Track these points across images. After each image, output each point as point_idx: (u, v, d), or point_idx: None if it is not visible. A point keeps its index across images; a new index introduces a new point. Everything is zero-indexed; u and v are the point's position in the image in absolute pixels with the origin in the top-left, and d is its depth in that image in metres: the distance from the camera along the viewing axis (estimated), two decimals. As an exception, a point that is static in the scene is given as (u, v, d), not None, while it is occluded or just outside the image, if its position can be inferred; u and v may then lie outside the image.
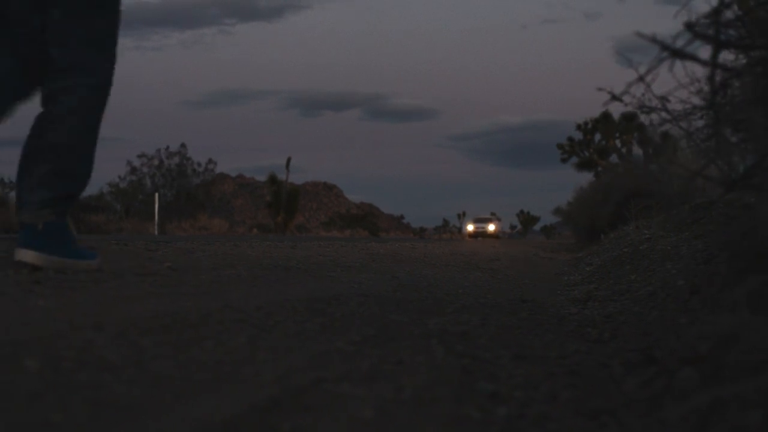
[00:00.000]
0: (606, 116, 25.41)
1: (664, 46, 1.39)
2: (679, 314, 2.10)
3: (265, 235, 17.81)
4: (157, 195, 20.21)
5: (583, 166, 25.49)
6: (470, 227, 45.45)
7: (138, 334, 1.48)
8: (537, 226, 50.56)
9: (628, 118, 24.69)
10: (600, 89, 1.87)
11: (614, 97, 1.80)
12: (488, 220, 45.82)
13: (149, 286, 2.12)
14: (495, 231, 44.07)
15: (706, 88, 1.76)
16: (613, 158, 25.24)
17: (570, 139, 27.07)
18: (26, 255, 2.27)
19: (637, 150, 22.56)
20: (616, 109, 25.96)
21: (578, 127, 26.91)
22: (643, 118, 1.70)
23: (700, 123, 1.76)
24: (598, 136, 26.51)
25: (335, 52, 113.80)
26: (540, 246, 16.22)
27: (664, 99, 1.80)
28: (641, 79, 1.64)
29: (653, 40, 1.39)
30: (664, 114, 1.78)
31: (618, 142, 25.46)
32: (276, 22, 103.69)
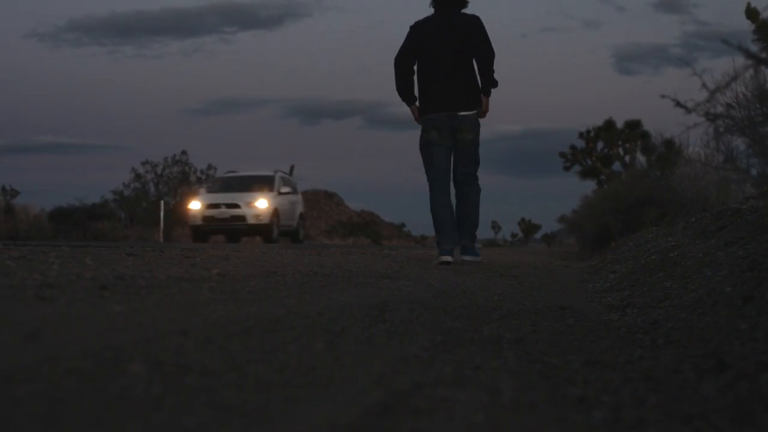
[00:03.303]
0: (609, 124, 25.43)
1: (750, 55, 1.40)
2: (735, 320, 2.11)
3: (270, 243, 17.79)
4: (162, 202, 20.20)
5: (586, 174, 25.48)
6: (196, 205, 16.15)
7: (223, 339, 1.49)
8: (538, 234, 50.52)
9: (632, 125, 24.72)
10: (664, 96, 1.88)
11: (678, 104, 1.81)
12: (252, 189, 16.51)
13: (208, 292, 2.13)
14: (264, 218, 15.96)
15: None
16: (616, 166, 25.25)
17: (572, 147, 27.07)
18: (468, 258, 5.40)
19: (640, 158, 22.55)
20: (619, 117, 25.93)
21: (580, 135, 26.92)
22: (709, 125, 1.70)
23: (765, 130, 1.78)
24: (600, 144, 26.52)
25: (335, 60, 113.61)
26: (548, 254, 16.25)
27: (729, 107, 1.81)
28: (705, 89, 1.66)
29: (739, 47, 1.40)
30: (728, 121, 1.79)
31: (621, 150, 25.48)
32: (276, 30, 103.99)
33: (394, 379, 1.34)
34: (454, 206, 5.48)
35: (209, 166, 26.19)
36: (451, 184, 5.54)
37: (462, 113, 5.31)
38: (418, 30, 5.35)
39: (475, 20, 5.35)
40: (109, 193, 24.79)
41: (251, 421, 1.00)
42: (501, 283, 4.30)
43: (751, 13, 7.26)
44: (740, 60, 1.45)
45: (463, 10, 5.39)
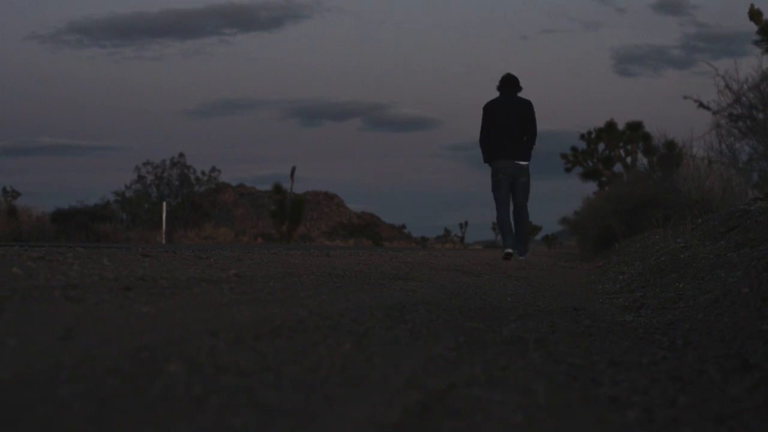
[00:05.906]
0: (610, 125, 25.42)
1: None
2: (755, 321, 2.12)
3: (275, 244, 17.83)
4: (164, 204, 20.20)
5: (588, 175, 25.47)
6: None
7: (253, 339, 1.49)
8: (539, 236, 50.49)
9: (633, 127, 24.72)
10: (686, 97, 1.87)
11: (702, 105, 1.81)
12: None
13: (229, 293, 2.14)
14: None
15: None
16: (618, 168, 25.24)
17: (573, 148, 27.05)
18: (521, 258, 7.86)
19: (642, 159, 22.54)
20: (619, 118, 25.87)
21: (582, 136, 26.91)
22: (718, 120, 1.70)
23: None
24: (601, 146, 26.50)
25: (335, 62, 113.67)
26: (550, 255, 16.25)
27: (752, 108, 1.82)
28: (728, 91, 1.66)
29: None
30: (749, 122, 1.79)
31: (622, 152, 25.47)
32: (276, 32, 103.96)
33: (426, 379, 1.34)
34: (512, 221, 8.28)
35: (213, 169, 26.10)
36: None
37: (518, 162, 7.99)
38: (488, 110, 8.09)
39: (529, 105, 8.02)
40: (111, 194, 24.73)
41: (297, 422, 1.01)
42: (511, 285, 4.31)
43: (755, 15, 7.28)
44: (757, 61, 1.45)
45: (519, 94, 8.10)
